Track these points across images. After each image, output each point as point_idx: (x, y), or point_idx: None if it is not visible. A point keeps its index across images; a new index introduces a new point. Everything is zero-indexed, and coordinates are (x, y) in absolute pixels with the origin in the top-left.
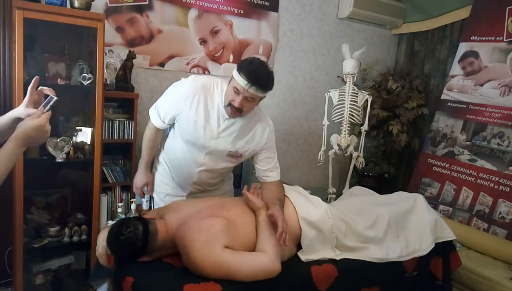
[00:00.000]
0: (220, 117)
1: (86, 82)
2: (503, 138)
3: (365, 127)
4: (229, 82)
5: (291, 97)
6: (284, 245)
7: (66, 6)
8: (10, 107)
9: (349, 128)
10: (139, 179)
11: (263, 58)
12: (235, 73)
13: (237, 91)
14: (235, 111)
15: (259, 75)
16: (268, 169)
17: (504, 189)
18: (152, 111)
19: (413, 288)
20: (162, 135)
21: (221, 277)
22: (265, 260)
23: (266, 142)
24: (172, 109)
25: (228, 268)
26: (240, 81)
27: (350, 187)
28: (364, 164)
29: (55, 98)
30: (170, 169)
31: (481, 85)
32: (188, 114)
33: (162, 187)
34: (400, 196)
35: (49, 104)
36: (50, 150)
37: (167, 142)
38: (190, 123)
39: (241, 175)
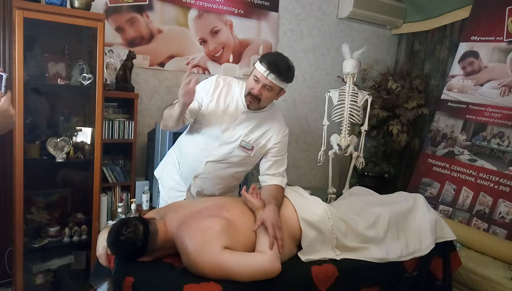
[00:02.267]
0: (238, 111)
1: (86, 82)
2: (503, 138)
3: (365, 127)
4: (251, 74)
5: (291, 97)
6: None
7: (66, 6)
8: None
9: (349, 128)
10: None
11: None
12: (256, 63)
13: (257, 80)
14: (254, 100)
15: (278, 63)
16: (274, 174)
17: (504, 189)
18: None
19: (413, 288)
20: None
21: (220, 277)
22: (264, 260)
23: (279, 142)
24: (195, 102)
25: (228, 269)
26: (260, 69)
27: (350, 187)
28: (364, 164)
29: (4, 75)
30: (179, 160)
31: (481, 85)
32: (208, 105)
33: (168, 181)
34: (400, 196)
35: (2, 85)
36: (50, 150)
37: (181, 137)
38: (210, 114)
39: None
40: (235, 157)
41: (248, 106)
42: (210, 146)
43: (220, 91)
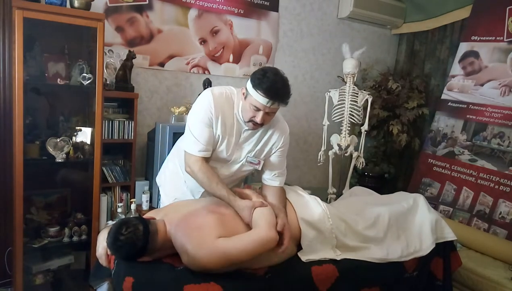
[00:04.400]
0: (240, 129)
1: (86, 82)
2: (504, 138)
3: (365, 127)
4: (245, 98)
5: (291, 97)
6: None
7: (66, 6)
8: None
9: (349, 128)
10: (245, 206)
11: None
12: (251, 90)
13: (257, 109)
14: (258, 125)
15: (278, 89)
16: (276, 174)
17: (504, 189)
18: (191, 147)
19: (414, 289)
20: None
21: (222, 265)
22: (259, 231)
23: (282, 145)
24: (210, 129)
25: (226, 252)
26: (260, 99)
27: (350, 187)
28: (364, 164)
29: None
30: (185, 176)
31: (482, 85)
32: (214, 132)
33: (172, 191)
34: (400, 196)
35: None
36: (50, 149)
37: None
38: (216, 139)
39: None
40: (244, 171)
41: (251, 129)
42: (218, 166)
43: (221, 114)
